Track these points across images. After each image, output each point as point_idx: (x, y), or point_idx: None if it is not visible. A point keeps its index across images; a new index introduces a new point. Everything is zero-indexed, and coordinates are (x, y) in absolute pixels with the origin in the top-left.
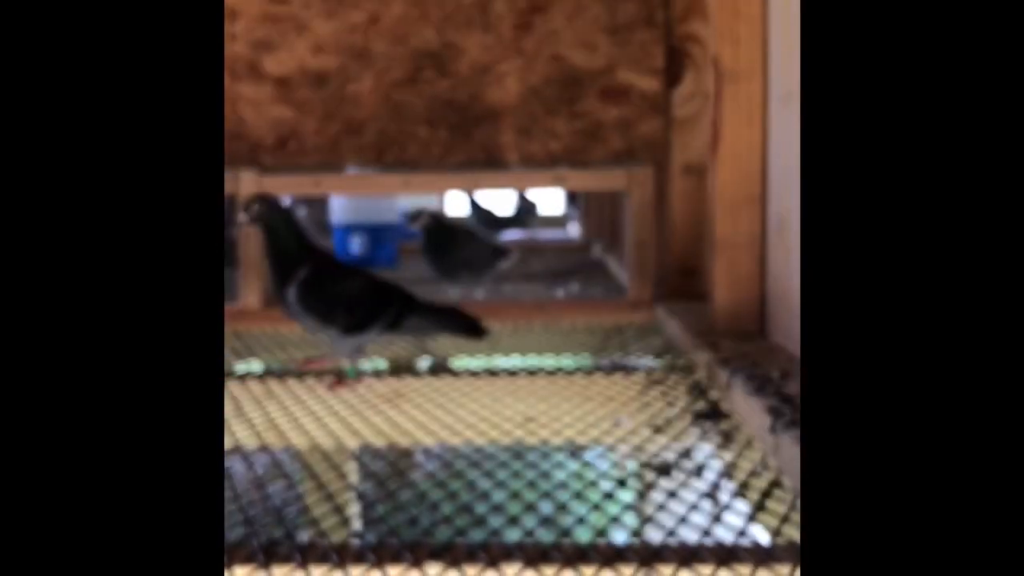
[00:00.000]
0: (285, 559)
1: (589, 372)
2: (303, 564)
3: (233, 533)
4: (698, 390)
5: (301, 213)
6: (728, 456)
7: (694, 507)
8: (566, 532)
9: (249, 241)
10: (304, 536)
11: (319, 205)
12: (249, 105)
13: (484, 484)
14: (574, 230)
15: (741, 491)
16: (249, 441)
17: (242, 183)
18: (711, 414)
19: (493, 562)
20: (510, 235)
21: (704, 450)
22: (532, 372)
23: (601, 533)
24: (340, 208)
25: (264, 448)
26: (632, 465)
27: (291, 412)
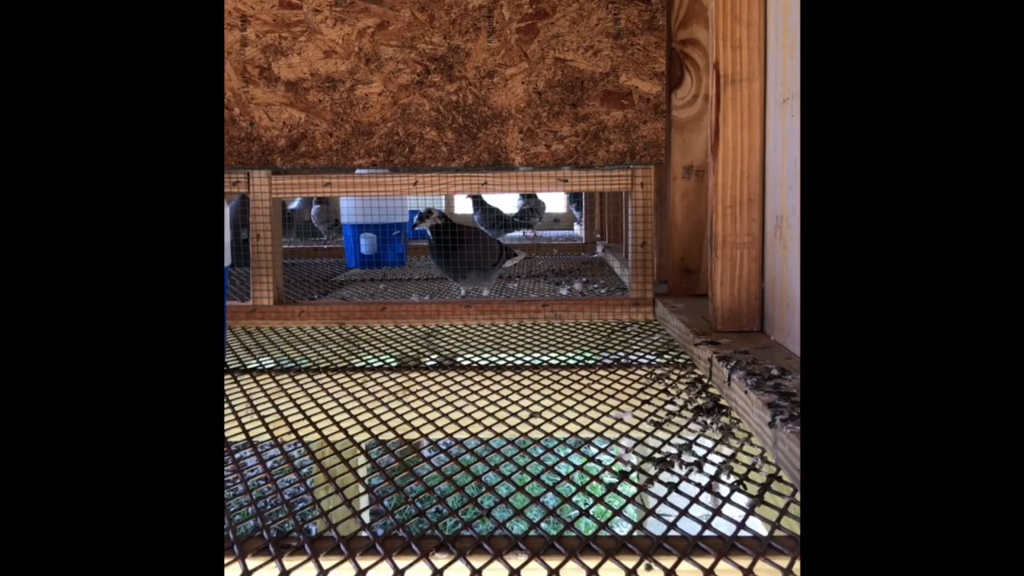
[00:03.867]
0: (296, 551)
1: (592, 368)
2: (313, 556)
3: (245, 525)
4: (699, 386)
5: (313, 211)
6: (728, 450)
7: (695, 500)
8: (570, 524)
9: (262, 243)
10: (314, 528)
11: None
12: (261, 108)
13: (490, 477)
14: (578, 229)
15: (741, 484)
16: (261, 435)
17: (254, 184)
18: (711, 409)
19: (499, 554)
20: (515, 234)
21: (705, 444)
22: (537, 368)
23: (604, 525)
24: (350, 208)
25: (275, 442)
26: (634, 459)
27: (302, 407)
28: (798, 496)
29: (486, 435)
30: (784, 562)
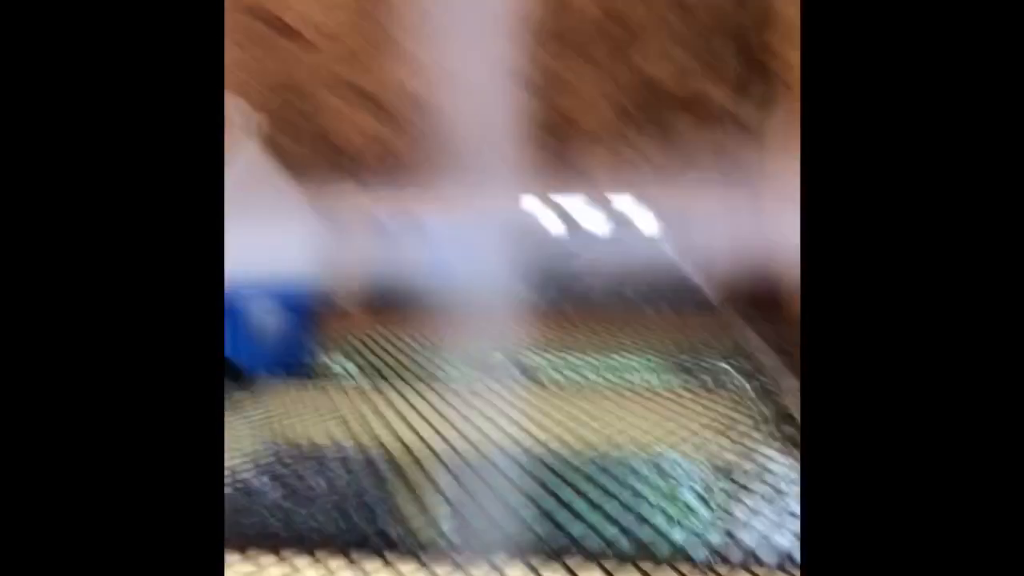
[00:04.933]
0: (374, 554)
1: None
2: (385, 561)
3: (328, 527)
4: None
5: None
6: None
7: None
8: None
9: None
10: (393, 533)
11: None
12: None
13: (565, 492)
14: None
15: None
16: (344, 441)
17: None
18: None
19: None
20: None
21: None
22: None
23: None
24: None
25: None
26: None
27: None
28: None
29: (562, 450)
30: None
